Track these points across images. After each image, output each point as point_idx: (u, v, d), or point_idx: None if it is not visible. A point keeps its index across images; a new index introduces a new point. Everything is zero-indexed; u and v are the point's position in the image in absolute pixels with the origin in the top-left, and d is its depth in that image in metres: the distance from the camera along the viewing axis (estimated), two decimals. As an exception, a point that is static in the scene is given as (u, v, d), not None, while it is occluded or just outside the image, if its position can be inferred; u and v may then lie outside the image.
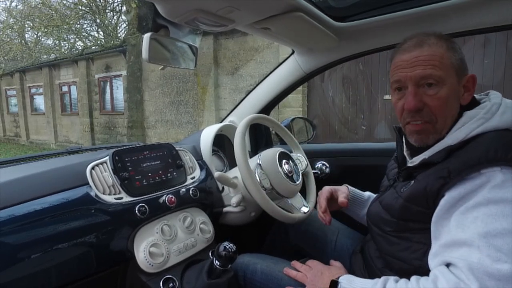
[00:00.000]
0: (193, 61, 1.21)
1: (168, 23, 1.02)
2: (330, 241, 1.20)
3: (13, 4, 15.90)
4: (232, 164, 1.46)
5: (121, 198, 0.99)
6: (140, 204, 1.00)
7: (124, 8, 11.98)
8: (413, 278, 0.73)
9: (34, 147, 12.75)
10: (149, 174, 1.09)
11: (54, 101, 12.26)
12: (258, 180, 1.13)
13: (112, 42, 12.00)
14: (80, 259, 0.88)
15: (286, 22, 1.06)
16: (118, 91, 10.30)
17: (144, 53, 0.99)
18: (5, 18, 13.72)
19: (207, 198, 1.23)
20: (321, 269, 0.96)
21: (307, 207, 1.26)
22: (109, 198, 0.97)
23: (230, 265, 0.96)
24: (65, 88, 11.94)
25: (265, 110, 1.59)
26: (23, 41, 13.92)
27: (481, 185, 0.67)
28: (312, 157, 1.54)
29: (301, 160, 1.35)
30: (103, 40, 13.16)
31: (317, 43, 1.34)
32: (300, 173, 1.29)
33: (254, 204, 1.18)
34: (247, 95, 1.62)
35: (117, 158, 1.04)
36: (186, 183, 1.19)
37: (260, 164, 1.19)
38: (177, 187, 1.15)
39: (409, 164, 0.86)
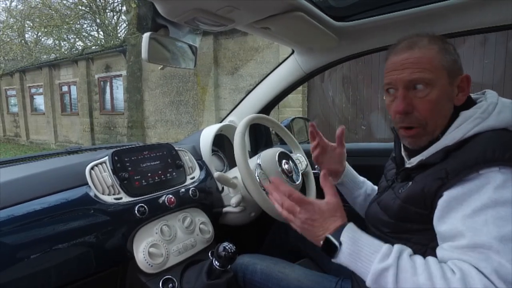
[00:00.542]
0: (193, 61, 1.21)
1: (168, 22, 1.02)
2: None
3: (13, 4, 15.95)
4: (232, 164, 1.46)
5: (120, 198, 0.99)
6: (140, 204, 1.00)
7: (124, 8, 11.98)
8: (434, 263, 0.65)
9: (34, 147, 12.75)
10: (149, 174, 1.09)
11: (54, 101, 12.25)
12: (258, 180, 1.13)
13: (112, 42, 12.00)
14: (80, 259, 0.88)
15: (286, 22, 1.06)
16: (118, 91, 10.29)
17: (144, 53, 0.99)
18: (5, 18, 13.73)
19: (206, 198, 1.23)
20: (319, 217, 0.74)
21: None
22: (109, 198, 0.97)
23: (229, 266, 0.95)
24: (65, 88, 11.94)
25: (265, 110, 1.59)
26: (23, 41, 13.91)
27: (482, 186, 0.66)
28: None
29: (301, 160, 1.35)
30: (103, 40, 13.16)
31: (317, 43, 1.34)
32: (300, 173, 1.29)
33: (253, 204, 1.18)
34: (247, 95, 1.62)
35: (116, 158, 1.03)
36: (186, 183, 1.19)
37: (260, 164, 1.19)
38: (176, 187, 1.15)
39: (407, 165, 0.85)
